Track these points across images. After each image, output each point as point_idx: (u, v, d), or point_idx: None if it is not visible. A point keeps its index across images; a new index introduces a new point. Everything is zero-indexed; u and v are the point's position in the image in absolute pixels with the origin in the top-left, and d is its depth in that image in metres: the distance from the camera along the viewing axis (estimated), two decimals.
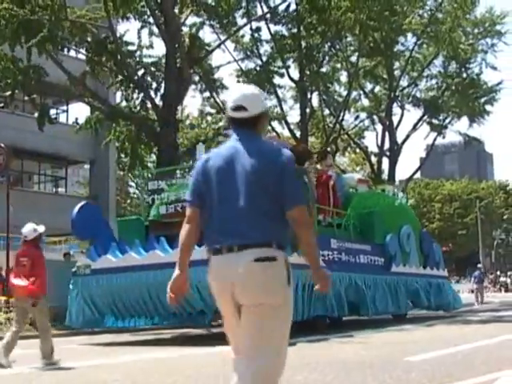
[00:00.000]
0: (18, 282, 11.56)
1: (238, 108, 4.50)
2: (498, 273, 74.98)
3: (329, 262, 18.47)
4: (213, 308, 14.71)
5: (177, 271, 4.65)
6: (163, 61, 29.96)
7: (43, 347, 11.26)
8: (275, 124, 42.54)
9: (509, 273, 76.97)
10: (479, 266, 47.03)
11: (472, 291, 47.09)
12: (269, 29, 36.78)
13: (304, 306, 17.24)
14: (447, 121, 49.70)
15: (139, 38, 30.56)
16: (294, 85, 41.16)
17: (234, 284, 4.27)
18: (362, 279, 20.39)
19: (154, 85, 30.19)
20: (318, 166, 21.52)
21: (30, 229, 11.91)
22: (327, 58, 39.97)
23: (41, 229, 12.02)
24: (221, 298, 4.44)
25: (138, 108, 30.59)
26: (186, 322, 19.05)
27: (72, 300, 17.15)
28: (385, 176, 47.29)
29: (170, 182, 19.89)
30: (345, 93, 43.73)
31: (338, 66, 42.97)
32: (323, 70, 40.50)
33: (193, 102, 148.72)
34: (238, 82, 37.81)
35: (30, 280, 11.37)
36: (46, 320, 11.68)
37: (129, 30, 33.29)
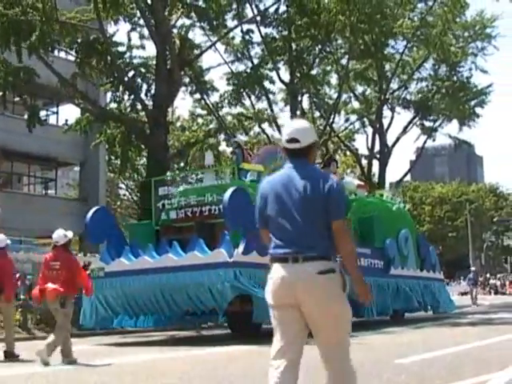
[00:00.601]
0: (49, 285, 12.09)
1: (292, 140, 5.22)
2: (488, 275, 75.04)
3: None
4: (223, 308, 16.18)
5: None
6: (153, 62, 29.93)
7: (51, 343, 11.66)
8: (265, 126, 42.57)
9: (498, 275, 77.17)
10: (473, 268, 47.57)
11: (462, 294, 47.08)
12: (259, 31, 36.84)
13: None
14: (437, 123, 49.82)
15: (129, 39, 30.56)
16: (284, 87, 41.16)
17: (297, 291, 4.99)
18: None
19: (145, 86, 30.19)
20: None
21: (60, 234, 12.64)
22: (317, 60, 39.96)
23: (70, 234, 12.78)
24: (282, 301, 5.08)
25: (129, 110, 30.54)
26: (198, 321, 21.37)
27: (86, 301, 17.43)
28: (375, 179, 47.34)
29: (179, 187, 20.47)
30: (335, 95, 43.81)
31: (329, 68, 43.03)
32: (313, 72, 40.52)
33: (183, 104, 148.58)
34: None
35: (61, 282, 11.98)
36: (68, 321, 12.20)
37: (119, 29, 33.36)
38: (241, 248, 16.10)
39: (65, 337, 11.87)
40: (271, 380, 5.07)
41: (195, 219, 18.24)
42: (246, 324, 18.05)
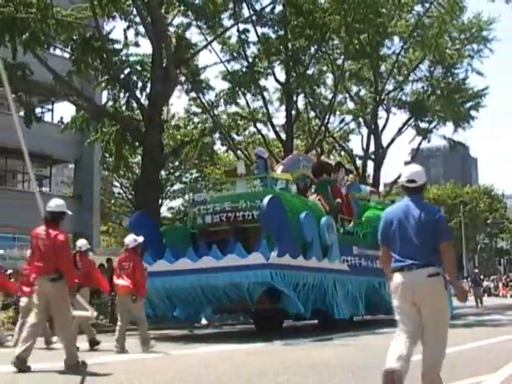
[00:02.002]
0: (121, 282, 14.15)
1: (410, 181, 7.14)
2: (482, 277, 75.16)
3: (352, 266, 21.54)
4: (254, 305, 18.09)
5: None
6: (149, 60, 29.89)
7: (142, 336, 13.99)
8: (260, 126, 42.58)
9: (492, 277, 77.28)
10: (476, 270, 48.70)
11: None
12: (256, 31, 36.81)
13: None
14: (432, 125, 49.82)
15: (125, 37, 30.49)
16: (279, 87, 41.16)
17: (414, 291, 6.77)
18: (378, 282, 22.22)
19: (140, 84, 30.12)
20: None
21: (131, 239, 14.68)
22: (313, 60, 39.91)
23: (140, 239, 14.77)
24: (402, 299, 6.88)
25: (124, 108, 30.50)
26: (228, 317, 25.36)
27: None
28: (369, 179, 47.34)
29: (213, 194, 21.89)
30: (330, 95, 43.79)
31: (324, 68, 42.97)
32: (309, 72, 40.50)
33: (179, 103, 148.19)
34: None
35: (131, 280, 13.99)
36: (143, 314, 14.37)
37: (115, 27, 33.27)
38: (276, 251, 17.55)
39: (122, 331, 13.95)
40: (395, 348, 7.28)
41: (230, 224, 19.54)
42: (270, 321, 21.09)
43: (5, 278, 17.86)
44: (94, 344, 15.05)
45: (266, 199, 17.99)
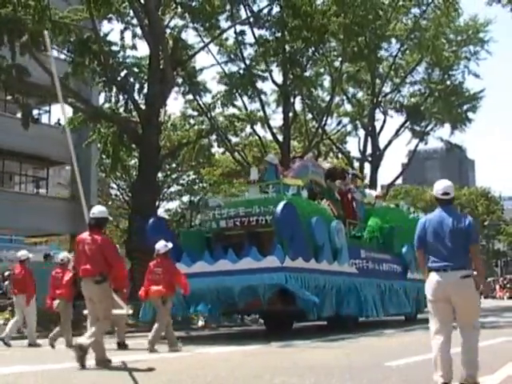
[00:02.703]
0: (153, 288, 14.77)
1: (445, 194, 8.45)
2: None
3: (360, 269, 22.21)
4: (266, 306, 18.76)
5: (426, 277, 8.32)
6: (146, 62, 29.88)
7: (154, 336, 14.55)
8: (257, 127, 42.56)
9: (489, 279, 77.24)
10: (475, 273, 49.47)
11: None
12: (253, 32, 36.80)
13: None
14: (429, 127, 49.94)
15: (122, 38, 30.47)
16: (277, 88, 41.17)
17: (448, 290, 7.98)
18: (385, 284, 23.63)
19: (137, 86, 30.11)
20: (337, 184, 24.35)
21: (161, 245, 15.29)
22: (311, 62, 39.96)
23: (170, 245, 15.41)
24: (438, 297, 8.09)
25: (121, 109, 30.49)
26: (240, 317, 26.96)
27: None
28: (366, 181, 47.35)
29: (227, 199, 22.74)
30: (328, 98, 43.83)
31: (322, 70, 43.01)
32: (306, 74, 40.50)
33: (175, 104, 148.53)
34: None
35: (163, 285, 14.69)
36: (169, 316, 15.10)
37: (113, 29, 33.28)
38: (290, 254, 18.33)
39: (167, 327, 14.78)
40: (435, 347, 8.18)
41: (243, 228, 20.24)
42: (280, 322, 21.86)
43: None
44: (123, 346, 15.85)
45: (281, 205, 18.77)
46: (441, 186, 8.56)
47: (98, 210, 11.75)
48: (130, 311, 14.05)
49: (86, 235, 11.42)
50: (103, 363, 10.78)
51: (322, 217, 20.90)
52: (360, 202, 25.45)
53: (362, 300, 21.70)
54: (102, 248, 11.15)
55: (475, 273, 8.24)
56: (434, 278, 8.11)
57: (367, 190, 29.39)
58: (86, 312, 12.10)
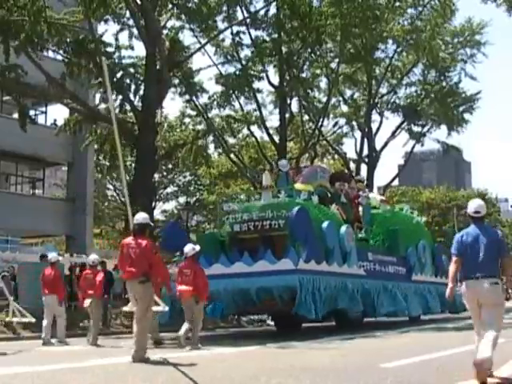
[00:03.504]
0: (183, 287, 15.72)
1: (477, 212, 9.60)
2: None
3: (368, 271, 23.29)
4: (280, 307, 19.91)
5: (450, 284, 9.56)
6: (142, 63, 29.85)
7: (193, 335, 15.61)
8: (254, 128, 42.53)
9: None
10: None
11: None
12: (249, 33, 36.80)
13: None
14: (426, 129, 49.92)
15: (117, 39, 30.45)
16: (273, 89, 41.17)
17: (479, 295, 9.18)
18: (391, 286, 24.54)
19: (133, 87, 30.07)
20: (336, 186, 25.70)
21: (190, 248, 16.17)
22: (307, 63, 39.98)
23: (197, 247, 16.32)
24: (471, 302, 9.38)
25: (117, 110, 30.44)
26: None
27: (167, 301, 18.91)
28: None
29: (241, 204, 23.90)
30: (324, 99, 43.83)
31: (318, 71, 42.96)
32: (303, 75, 40.50)
33: (172, 105, 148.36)
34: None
35: (192, 286, 15.63)
36: (202, 315, 16.09)
37: (107, 30, 33.23)
38: (303, 257, 19.51)
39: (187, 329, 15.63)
40: (476, 341, 9.48)
41: (257, 232, 21.42)
42: (290, 322, 22.49)
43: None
44: (158, 343, 16.71)
45: (295, 210, 20.34)
46: (473, 205, 9.74)
47: (141, 217, 12.51)
48: (166, 308, 14.81)
49: (130, 240, 12.29)
50: (141, 359, 11.60)
51: (332, 221, 22.07)
52: (366, 206, 26.46)
53: (369, 301, 22.70)
54: (145, 251, 11.99)
55: (504, 279, 9.61)
56: (468, 285, 9.34)
57: (372, 194, 30.67)
58: (125, 308, 14.47)
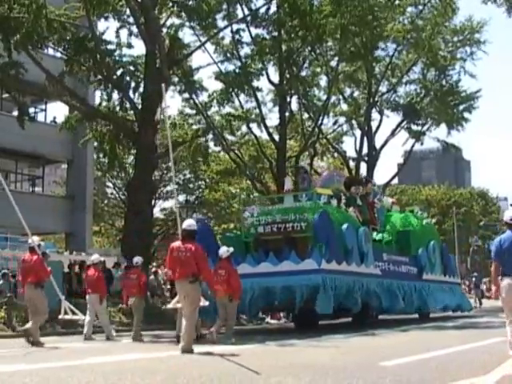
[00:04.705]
0: (218, 286, 16.65)
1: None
2: (474, 279, 75.02)
3: (383, 270, 24.67)
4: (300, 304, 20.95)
5: (494, 287, 11.62)
6: (142, 61, 29.80)
7: (227, 330, 17.20)
8: (253, 126, 42.47)
9: (484, 279, 77.19)
10: (475, 274, 52.95)
11: None
12: (249, 31, 36.76)
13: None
14: (426, 127, 49.84)
15: (117, 37, 30.40)
16: (273, 88, 41.13)
17: None
18: (404, 285, 25.92)
19: (133, 85, 30.02)
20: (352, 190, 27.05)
21: (224, 250, 17.69)
22: (307, 61, 39.92)
23: (231, 249, 17.79)
24: (509, 294, 10.89)
25: (117, 108, 30.42)
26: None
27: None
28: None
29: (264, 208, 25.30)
30: (324, 97, 43.76)
31: (318, 70, 42.90)
32: (303, 73, 40.45)
33: (172, 103, 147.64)
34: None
35: (227, 285, 17.00)
36: (235, 312, 17.77)
37: (108, 27, 33.17)
38: (325, 258, 20.87)
39: (219, 325, 17.13)
40: (509, 333, 10.86)
41: (280, 234, 22.64)
42: (308, 319, 23.23)
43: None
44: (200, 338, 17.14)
45: (318, 213, 21.69)
46: (509, 214, 11.36)
47: (189, 224, 14.05)
48: (207, 302, 15.12)
49: (179, 244, 13.75)
50: (188, 352, 12.94)
51: (350, 223, 23.33)
52: (380, 209, 28.39)
53: (385, 298, 23.98)
54: (194, 254, 13.39)
55: None
56: (506, 281, 11.02)
57: (384, 197, 31.89)
58: (169, 306, 16.00)
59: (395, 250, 26.95)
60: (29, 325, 16.32)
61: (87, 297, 19.74)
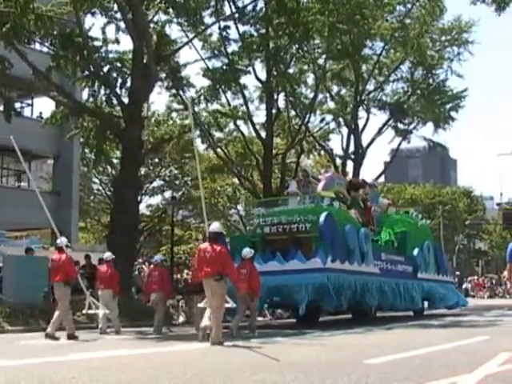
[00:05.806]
0: (240, 284, 18.13)
1: None
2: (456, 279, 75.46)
3: (382, 270, 25.79)
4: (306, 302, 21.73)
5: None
6: (129, 57, 29.70)
7: (250, 324, 19.08)
8: (240, 123, 42.43)
9: (469, 278, 77.57)
10: (458, 273, 54.10)
11: None
12: (237, 28, 36.71)
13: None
14: (412, 126, 50.00)
15: (104, 33, 30.28)
16: (260, 85, 41.10)
17: None
18: (400, 283, 26.88)
19: (120, 81, 29.93)
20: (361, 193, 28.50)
21: (247, 251, 19.19)
22: (294, 59, 39.89)
23: (252, 251, 19.46)
24: None
25: (104, 104, 30.32)
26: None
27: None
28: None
29: (270, 209, 25.77)
30: (311, 95, 43.76)
31: (305, 67, 42.90)
32: (290, 71, 40.41)
33: (159, 99, 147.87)
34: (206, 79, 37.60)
35: (248, 284, 18.52)
36: (256, 308, 19.66)
37: (94, 24, 32.99)
38: (330, 257, 22.07)
39: (237, 322, 18.38)
40: None
41: (285, 234, 23.71)
42: (310, 315, 23.48)
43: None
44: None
45: (323, 215, 22.84)
46: None
47: (215, 227, 15.52)
48: (234, 305, 16.33)
49: (206, 245, 15.01)
50: (218, 343, 14.19)
51: (352, 224, 24.50)
52: (376, 210, 29.41)
53: (383, 296, 25.08)
54: (219, 254, 14.60)
55: None
56: None
57: (380, 199, 32.86)
58: (199, 305, 16.75)
59: (392, 250, 28.14)
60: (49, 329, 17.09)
61: (99, 292, 20.61)
